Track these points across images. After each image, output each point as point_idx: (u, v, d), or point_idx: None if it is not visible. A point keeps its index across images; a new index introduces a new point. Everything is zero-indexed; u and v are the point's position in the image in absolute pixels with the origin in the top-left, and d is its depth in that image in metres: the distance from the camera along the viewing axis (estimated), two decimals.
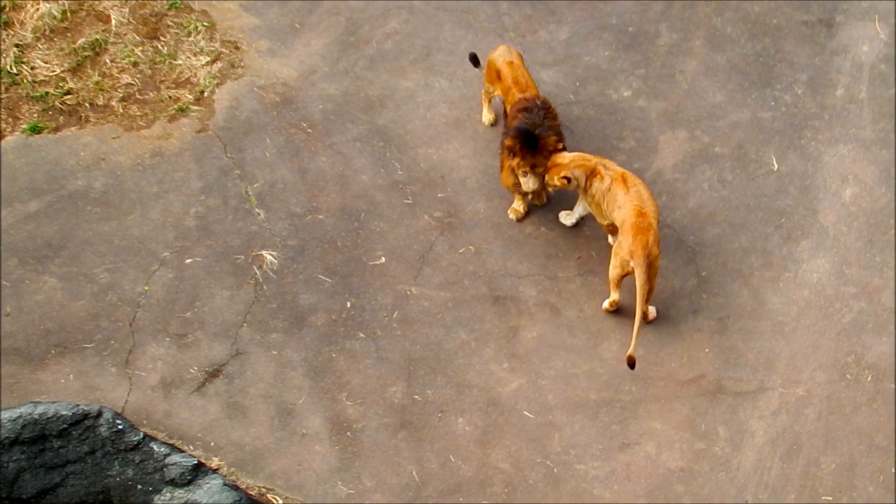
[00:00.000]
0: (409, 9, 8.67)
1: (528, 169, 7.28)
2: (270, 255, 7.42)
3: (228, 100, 8.12)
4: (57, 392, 6.82)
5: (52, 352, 6.98)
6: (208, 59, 8.31)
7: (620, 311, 7.24)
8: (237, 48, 8.40)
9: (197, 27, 8.45)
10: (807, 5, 8.79)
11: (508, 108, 7.63)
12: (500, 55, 7.76)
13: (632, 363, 6.78)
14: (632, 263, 6.84)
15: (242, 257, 7.42)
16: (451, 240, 7.57)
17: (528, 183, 7.33)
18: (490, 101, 8.07)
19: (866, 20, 8.72)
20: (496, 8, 8.67)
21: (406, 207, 7.68)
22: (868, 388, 7.05)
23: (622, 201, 7.03)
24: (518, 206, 7.67)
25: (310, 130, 8.01)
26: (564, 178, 7.21)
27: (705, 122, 8.17)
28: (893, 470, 6.80)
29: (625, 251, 6.89)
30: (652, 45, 8.55)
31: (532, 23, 8.63)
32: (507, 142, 7.33)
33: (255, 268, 7.38)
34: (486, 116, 8.10)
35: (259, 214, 7.60)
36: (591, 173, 7.21)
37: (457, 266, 7.47)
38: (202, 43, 8.38)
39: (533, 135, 7.26)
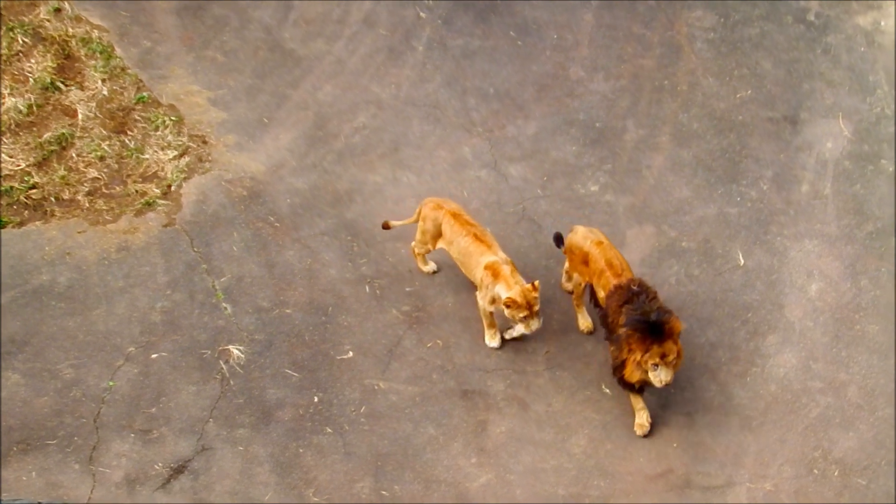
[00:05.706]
0: (378, 104, 8.98)
1: (657, 360, 6.99)
2: (237, 349, 7.59)
3: (196, 194, 8.34)
4: (19, 490, 6.90)
5: (15, 449, 7.06)
6: (176, 153, 8.54)
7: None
8: (205, 142, 8.65)
9: (165, 121, 8.70)
10: (772, 102, 9.19)
11: (601, 294, 7.42)
12: (585, 237, 7.52)
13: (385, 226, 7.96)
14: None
15: (209, 352, 7.59)
16: (419, 334, 7.78)
17: (661, 375, 7.03)
18: (581, 299, 7.83)
19: (830, 117, 9.14)
20: (464, 103, 9.01)
21: (374, 301, 7.90)
22: (835, 484, 7.26)
23: None
24: (644, 420, 7.44)
25: (277, 224, 8.24)
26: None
27: (672, 216, 8.48)
28: None
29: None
30: (619, 141, 8.90)
31: (500, 118, 8.96)
32: (629, 338, 7.03)
33: (221, 363, 7.54)
34: (584, 324, 7.88)
35: (226, 309, 7.80)
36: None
37: (425, 360, 7.66)
38: (170, 137, 8.62)
39: (655, 323, 6.98)
